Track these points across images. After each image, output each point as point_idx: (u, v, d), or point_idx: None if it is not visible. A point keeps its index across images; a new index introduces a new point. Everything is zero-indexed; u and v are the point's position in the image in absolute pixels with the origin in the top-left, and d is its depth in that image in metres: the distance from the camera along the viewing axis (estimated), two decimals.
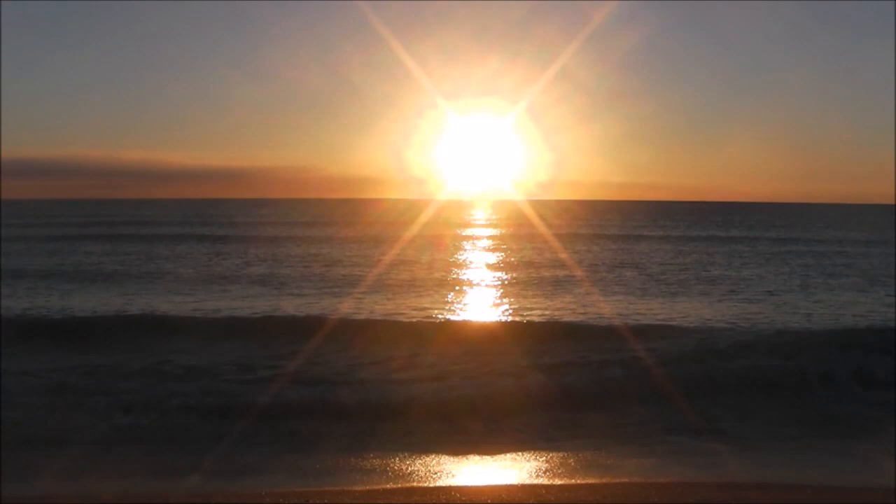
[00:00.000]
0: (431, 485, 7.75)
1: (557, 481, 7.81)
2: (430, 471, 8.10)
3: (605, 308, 16.88)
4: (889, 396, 10.90)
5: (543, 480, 7.85)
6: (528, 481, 7.84)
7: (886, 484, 7.80)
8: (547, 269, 25.52)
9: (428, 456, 8.52)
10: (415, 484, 7.77)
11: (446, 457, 8.51)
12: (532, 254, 31.65)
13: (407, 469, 8.14)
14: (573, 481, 7.81)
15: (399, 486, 7.74)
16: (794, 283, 22.99)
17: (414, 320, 15.27)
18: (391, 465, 8.26)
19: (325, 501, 7.37)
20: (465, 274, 24.18)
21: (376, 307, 16.50)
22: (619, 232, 50.16)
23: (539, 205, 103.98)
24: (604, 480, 7.80)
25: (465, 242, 39.67)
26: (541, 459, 8.44)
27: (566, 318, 15.60)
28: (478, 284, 21.69)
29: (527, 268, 26.06)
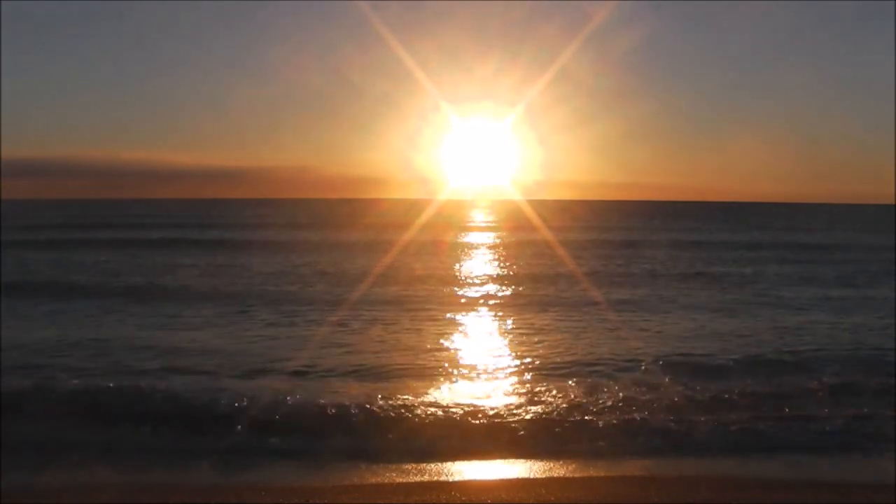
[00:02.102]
0: (431, 482, 7.77)
1: (557, 480, 7.82)
2: (429, 469, 8.11)
3: (630, 340, 14.75)
4: (890, 399, 10.91)
5: (543, 479, 7.86)
6: (527, 480, 7.86)
7: (886, 481, 7.85)
8: (558, 285, 23.20)
9: (428, 455, 8.52)
10: (414, 481, 7.79)
11: (446, 455, 8.51)
12: (540, 266, 28.87)
13: (407, 468, 8.15)
14: (572, 479, 7.82)
15: (399, 482, 7.77)
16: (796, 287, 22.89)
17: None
18: (391, 464, 8.26)
19: (325, 501, 7.38)
20: (465, 298, 20.87)
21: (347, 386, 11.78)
22: (626, 237, 47.85)
23: (540, 205, 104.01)
24: (602, 478, 7.82)
25: (465, 250, 37.51)
26: (540, 459, 8.45)
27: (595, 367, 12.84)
28: (479, 315, 18.28)
29: (535, 284, 23.56)
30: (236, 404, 10.31)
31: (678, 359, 12.90)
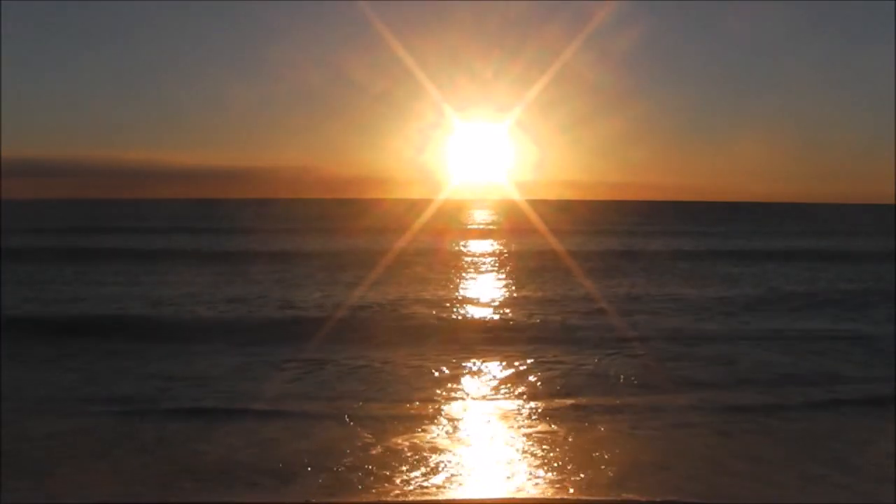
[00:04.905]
0: (431, 498, 7.86)
1: (551, 495, 7.93)
2: (429, 481, 8.19)
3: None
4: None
5: (546, 495, 7.96)
6: (527, 496, 7.94)
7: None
8: (575, 311, 19.75)
9: (428, 465, 8.61)
10: (413, 498, 7.86)
11: (447, 464, 8.61)
12: (553, 284, 25.17)
13: (407, 478, 8.22)
14: (569, 496, 7.92)
15: (400, 499, 7.82)
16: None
17: None
18: (391, 473, 8.34)
19: (325, 500, 7.51)
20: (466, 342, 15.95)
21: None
22: (640, 245, 43.66)
23: (540, 204, 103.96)
24: (597, 497, 7.90)
25: (464, 262, 34.18)
26: (541, 468, 8.54)
27: None
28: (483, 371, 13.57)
29: (549, 310, 19.96)
30: (235, 404, 10.52)
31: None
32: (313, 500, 7.57)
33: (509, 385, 12.33)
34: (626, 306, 20.13)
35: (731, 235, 55.72)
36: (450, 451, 9.15)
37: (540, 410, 10.86)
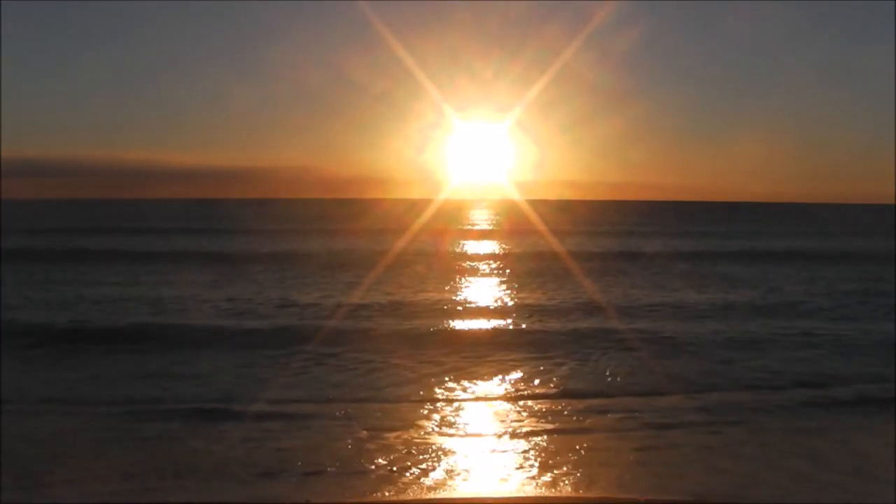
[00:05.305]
0: (429, 497, 7.90)
1: (547, 494, 7.95)
2: (427, 480, 8.24)
3: None
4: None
5: (542, 494, 7.99)
6: (524, 495, 7.98)
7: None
8: (574, 311, 19.19)
9: (426, 464, 8.64)
10: (412, 497, 7.91)
11: (445, 463, 8.66)
12: (552, 284, 24.29)
13: (406, 480, 8.26)
14: (564, 495, 7.95)
15: (399, 498, 7.89)
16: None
17: None
18: (389, 475, 8.37)
19: (325, 500, 7.55)
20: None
21: None
22: (640, 245, 41.99)
23: (540, 204, 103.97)
24: (601, 495, 7.95)
25: (464, 260, 33.47)
26: (537, 467, 8.57)
27: None
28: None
29: (548, 310, 19.35)
30: (235, 406, 10.55)
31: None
32: (313, 500, 7.61)
33: (507, 384, 12.41)
34: (625, 306, 20.21)
35: (731, 235, 55.70)
36: (447, 451, 9.21)
37: (537, 410, 10.94)
